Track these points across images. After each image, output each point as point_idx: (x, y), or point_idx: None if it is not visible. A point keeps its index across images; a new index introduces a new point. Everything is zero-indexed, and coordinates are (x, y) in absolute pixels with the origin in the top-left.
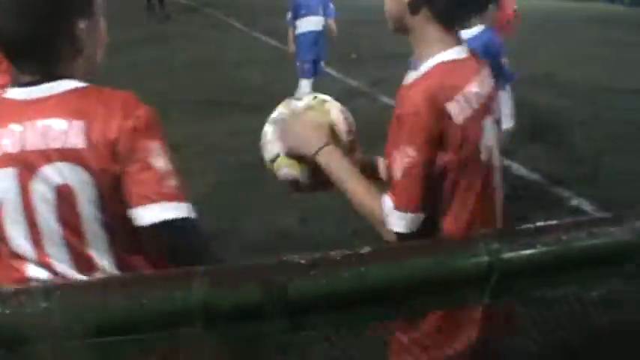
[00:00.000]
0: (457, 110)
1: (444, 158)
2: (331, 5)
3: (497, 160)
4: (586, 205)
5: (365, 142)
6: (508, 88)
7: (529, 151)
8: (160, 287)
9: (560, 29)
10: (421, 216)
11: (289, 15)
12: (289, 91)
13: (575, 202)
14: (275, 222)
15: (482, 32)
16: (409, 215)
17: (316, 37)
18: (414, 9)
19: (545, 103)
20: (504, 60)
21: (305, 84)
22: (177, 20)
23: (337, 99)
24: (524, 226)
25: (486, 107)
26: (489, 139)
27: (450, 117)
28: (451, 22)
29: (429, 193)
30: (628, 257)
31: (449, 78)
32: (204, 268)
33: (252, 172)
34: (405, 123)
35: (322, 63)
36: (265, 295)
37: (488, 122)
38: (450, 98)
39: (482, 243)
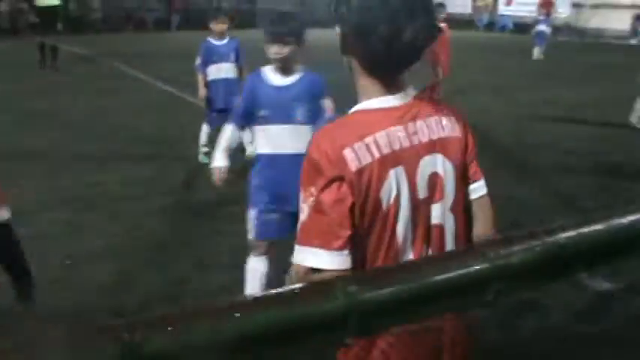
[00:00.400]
0: (352, 157)
1: (347, 202)
2: (241, 53)
3: (406, 209)
4: None
5: None
6: None
7: None
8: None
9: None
10: (333, 252)
11: (198, 60)
12: (184, 139)
13: None
14: (172, 269)
15: None
16: (312, 249)
17: (227, 84)
18: (346, 57)
19: None
20: None
21: (205, 129)
22: (72, 70)
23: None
24: (385, 266)
25: (400, 156)
26: (395, 188)
27: (345, 163)
28: (379, 73)
29: (340, 232)
30: (485, 286)
31: (356, 126)
32: None
33: (145, 220)
34: (307, 164)
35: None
36: (121, 354)
37: (399, 170)
38: (348, 145)
39: (339, 287)
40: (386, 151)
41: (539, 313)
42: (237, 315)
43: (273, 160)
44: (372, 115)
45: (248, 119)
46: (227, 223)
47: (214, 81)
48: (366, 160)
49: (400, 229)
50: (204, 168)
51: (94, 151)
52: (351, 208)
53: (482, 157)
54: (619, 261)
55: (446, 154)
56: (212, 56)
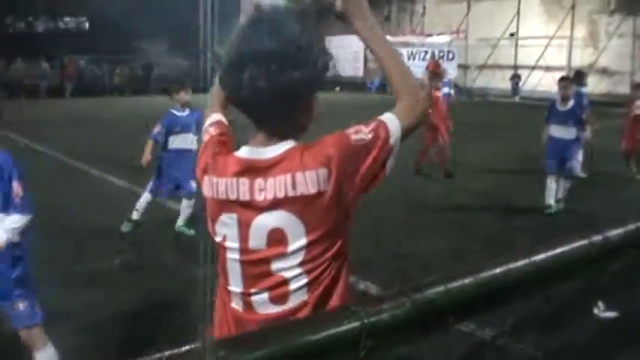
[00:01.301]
0: (205, 183)
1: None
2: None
3: (235, 253)
4: (373, 289)
5: None
6: None
7: None
8: None
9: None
10: None
11: (157, 129)
12: (76, 214)
13: (362, 286)
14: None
15: None
16: None
17: (187, 156)
18: None
19: None
20: None
21: (146, 197)
22: None
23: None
24: (253, 332)
25: (234, 205)
26: (225, 230)
27: (203, 183)
28: (256, 124)
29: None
30: (357, 344)
31: (223, 161)
32: None
33: None
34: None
35: (192, 182)
36: None
37: (232, 217)
38: (207, 173)
39: (208, 352)
40: (222, 197)
41: None
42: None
43: None
44: (232, 159)
45: None
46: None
47: (175, 151)
48: (209, 194)
49: (229, 265)
50: (95, 237)
51: None
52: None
53: (373, 212)
54: (488, 311)
55: (292, 211)
56: (175, 127)
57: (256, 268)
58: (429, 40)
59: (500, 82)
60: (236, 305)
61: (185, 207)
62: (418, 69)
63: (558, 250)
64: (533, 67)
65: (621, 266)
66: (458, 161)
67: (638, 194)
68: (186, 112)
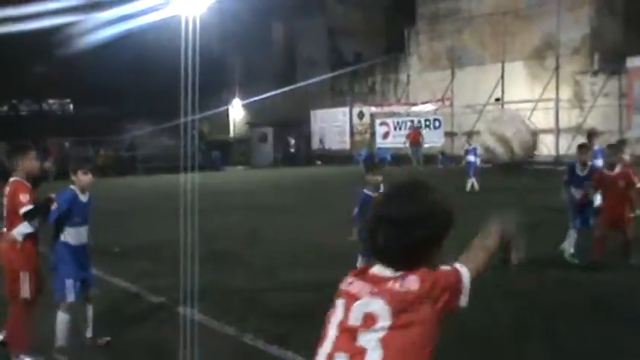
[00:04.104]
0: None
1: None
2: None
3: (335, 326)
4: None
5: None
6: None
7: None
8: None
9: None
10: None
11: (54, 213)
12: None
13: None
14: None
15: None
16: None
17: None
18: None
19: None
20: None
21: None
22: None
23: None
24: None
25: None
26: (335, 308)
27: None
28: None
29: None
30: None
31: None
32: None
33: None
34: None
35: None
36: None
37: (341, 301)
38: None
39: None
40: (343, 287)
41: None
42: None
43: None
44: (364, 272)
45: None
46: None
47: (74, 246)
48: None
49: (329, 332)
50: None
51: None
52: None
53: None
54: None
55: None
56: (74, 216)
57: (347, 336)
58: (414, 109)
59: None
60: None
61: None
62: (404, 139)
63: None
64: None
65: None
66: None
67: None
68: (87, 196)
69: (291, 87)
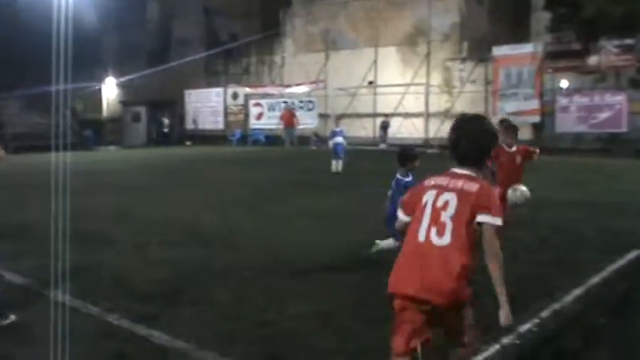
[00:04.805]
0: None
1: None
2: None
3: (429, 207)
4: None
5: None
6: None
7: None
8: None
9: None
10: None
11: None
12: None
13: None
14: None
15: None
16: None
17: None
18: None
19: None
20: None
21: None
22: None
23: None
24: None
25: (434, 187)
26: (431, 199)
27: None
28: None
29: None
30: None
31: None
32: None
33: None
34: None
35: None
36: None
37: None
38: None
39: None
40: (431, 183)
41: None
42: None
43: None
44: (447, 171)
45: None
46: None
47: None
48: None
49: (425, 210)
50: None
51: None
52: None
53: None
54: None
55: (457, 194)
56: None
57: (436, 214)
58: (288, 90)
59: (361, 130)
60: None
61: None
62: (277, 120)
63: None
64: (393, 114)
65: None
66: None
67: None
68: None
69: (165, 66)
